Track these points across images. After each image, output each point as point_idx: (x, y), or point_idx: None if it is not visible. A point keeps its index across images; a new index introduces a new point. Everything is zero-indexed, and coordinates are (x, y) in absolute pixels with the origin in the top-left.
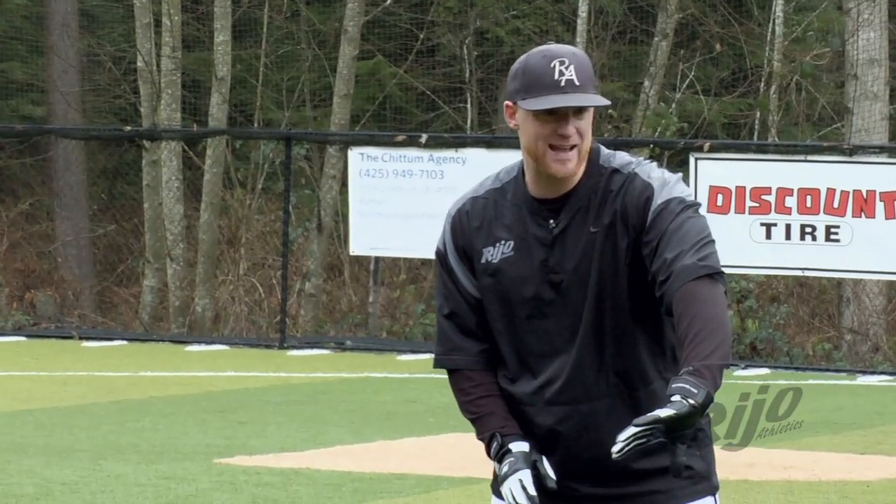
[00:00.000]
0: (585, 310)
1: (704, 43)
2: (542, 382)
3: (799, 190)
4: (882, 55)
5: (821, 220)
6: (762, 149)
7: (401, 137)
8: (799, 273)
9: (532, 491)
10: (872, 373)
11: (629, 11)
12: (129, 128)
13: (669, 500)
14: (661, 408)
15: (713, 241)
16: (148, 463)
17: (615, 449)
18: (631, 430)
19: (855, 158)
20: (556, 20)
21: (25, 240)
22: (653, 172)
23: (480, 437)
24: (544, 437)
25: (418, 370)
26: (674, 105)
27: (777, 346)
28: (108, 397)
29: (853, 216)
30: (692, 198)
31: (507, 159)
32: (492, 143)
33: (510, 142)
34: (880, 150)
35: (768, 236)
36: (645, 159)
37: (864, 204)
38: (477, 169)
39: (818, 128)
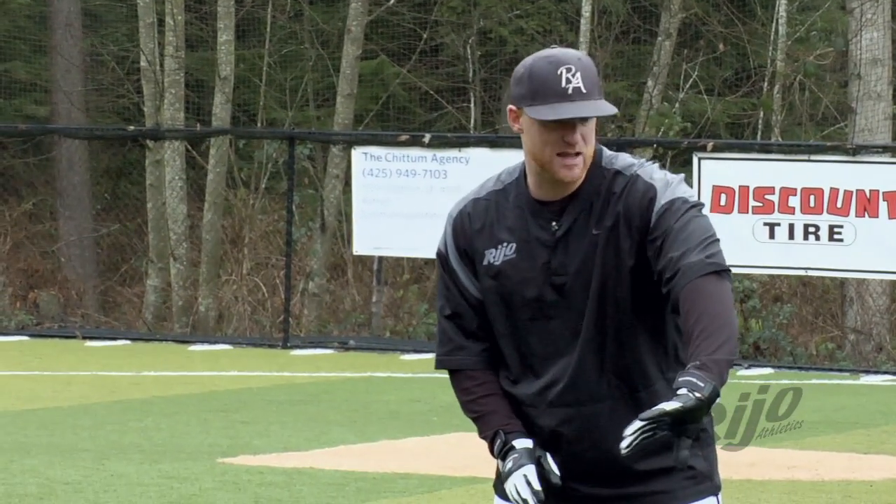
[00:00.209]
0: (587, 312)
1: (708, 42)
2: (545, 384)
3: (802, 190)
4: (885, 55)
5: (824, 220)
6: (765, 148)
7: (404, 137)
8: (802, 273)
9: (537, 485)
10: (876, 372)
11: (632, 11)
12: (132, 127)
13: (672, 501)
14: (667, 401)
15: (718, 240)
16: (151, 462)
17: (623, 444)
18: (637, 424)
19: (858, 158)
20: (559, 20)
21: (29, 239)
22: (655, 174)
23: (483, 435)
24: (547, 438)
25: (422, 370)
26: (677, 105)
27: (780, 346)
28: (112, 397)
29: (856, 216)
30: (695, 198)
31: (511, 159)
32: (495, 142)
33: (513, 141)
34: (883, 149)
35: (772, 236)
36: (647, 161)
37: (867, 204)
38: (480, 169)
39: (821, 127)
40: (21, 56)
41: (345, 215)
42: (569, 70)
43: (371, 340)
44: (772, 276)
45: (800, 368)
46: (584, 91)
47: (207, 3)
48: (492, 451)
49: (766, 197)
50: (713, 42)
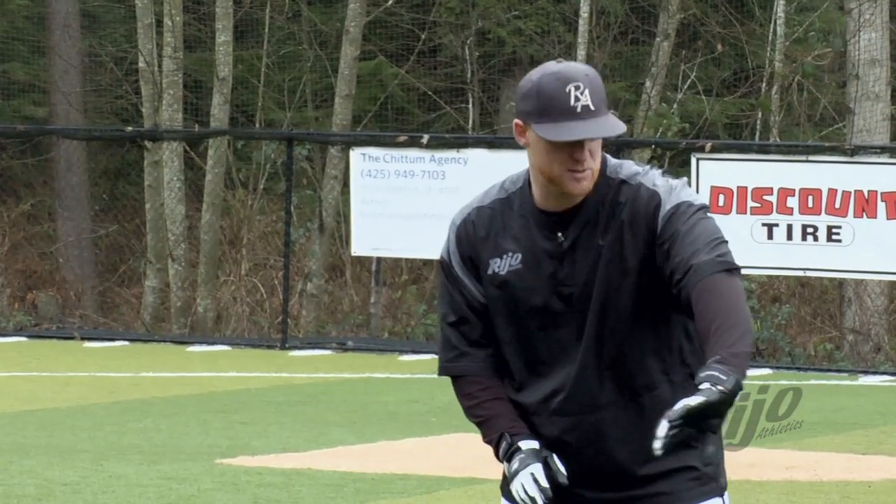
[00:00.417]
0: (588, 321)
1: (706, 43)
2: (548, 393)
3: (800, 190)
4: (883, 55)
5: (822, 221)
6: (764, 149)
7: (402, 138)
8: (801, 273)
9: (544, 483)
10: (874, 373)
11: (631, 12)
12: (130, 128)
13: (676, 502)
14: (689, 397)
15: (726, 241)
16: (150, 463)
17: (656, 446)
18: (665, 425)
19: (856, 159)
20: (557, 20)
21: (27, 240)
22: (657, 180)
23: (487, 439)
24: (551, 446)
25: (420, 370)
26: (675, 105)
27: (779, 347)
28: (110, 398)
29: (855, 216)
30: (700, 200)
31: (509, 160)
32: (493, 143)
33: (512, 142)
34: (881, 150)
35: (770, 236)
36: (651, 167)
37: (865, 204)
38: (478, 169)
39: (820, 128)
40: (19, 57)
41: (343, 216)
42: (577, 87)
43: (369, 341)
44: (770, 277)
45: (798, 369)
46: (592, 108)
47: (206, 4)
48: (497, 455)
49: (765, 197)
50: (711, 42)
